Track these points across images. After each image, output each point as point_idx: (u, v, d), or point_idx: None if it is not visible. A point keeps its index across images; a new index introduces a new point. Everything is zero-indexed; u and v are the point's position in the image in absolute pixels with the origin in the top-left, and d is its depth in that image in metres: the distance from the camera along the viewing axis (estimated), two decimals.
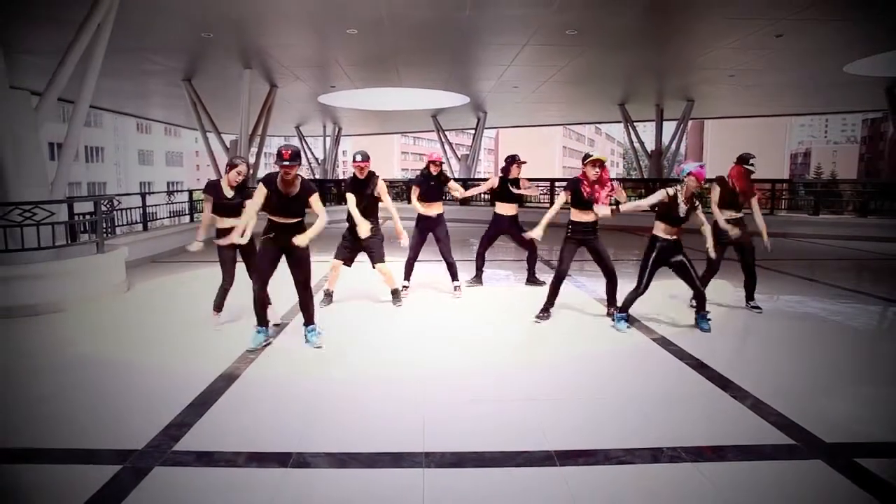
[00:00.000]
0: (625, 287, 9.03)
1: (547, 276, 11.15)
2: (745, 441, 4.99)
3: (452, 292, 10.74)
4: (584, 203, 8.71)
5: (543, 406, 5.77)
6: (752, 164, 9.46)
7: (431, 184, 10.56)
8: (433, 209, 10.61)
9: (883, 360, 7.59)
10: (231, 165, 8.19)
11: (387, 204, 9.54)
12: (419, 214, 10.63)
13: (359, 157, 9.40)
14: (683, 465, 4.59)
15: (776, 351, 7.78)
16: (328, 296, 9.99)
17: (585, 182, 8.67)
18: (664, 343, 7.86)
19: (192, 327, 8.69)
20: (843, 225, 21.68)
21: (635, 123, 29.53)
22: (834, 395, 6.13)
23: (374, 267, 9.68)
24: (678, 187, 8.26)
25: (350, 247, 9.68)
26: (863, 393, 6.27)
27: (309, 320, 7.90)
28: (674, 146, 28.66)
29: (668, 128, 29.01)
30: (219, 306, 8.58)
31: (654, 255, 8.37)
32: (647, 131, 32.29)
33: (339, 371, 6.89)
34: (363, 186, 9.41)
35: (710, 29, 15.43)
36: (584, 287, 11.39)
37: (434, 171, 10.48)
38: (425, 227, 10.68)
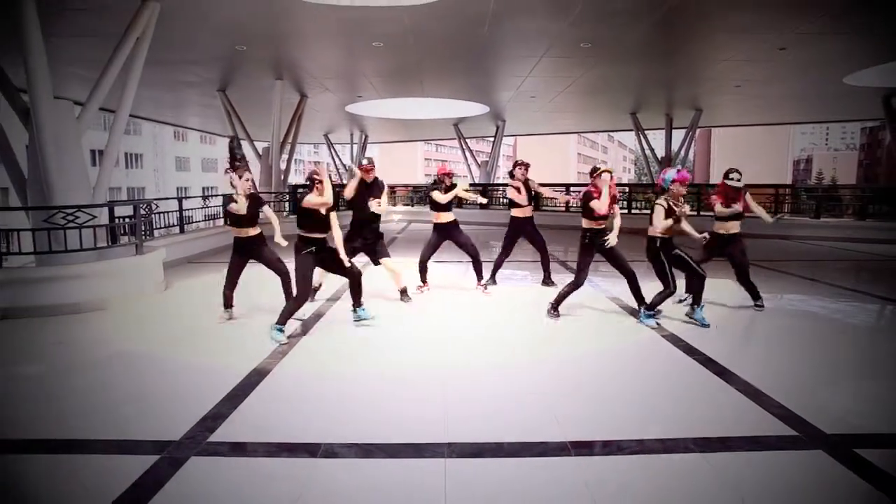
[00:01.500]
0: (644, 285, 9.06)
1: (557, 277, 11.18)
2: (750, 432, 4.96)
3: (483, 290, 10.85)
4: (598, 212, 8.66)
5: (558, 399, 5.76)
6: (732, 178, 9.34)
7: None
8: (446, 217, 10.64)
9: (881, 355, 7.51)
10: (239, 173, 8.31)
11: (383, 208, 9.69)
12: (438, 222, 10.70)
13: (365, 161, 9.67)
14: (692, 455, 4.58)
15: (779, 347, 7.74)
16: (314, 290, 10.04)
17: (597, 192, 8.65)
18: (673, 340, 7.82)
19: (226, 324, 8.73)
20: (843, 228, 21.59)
21: (646, 131, 29.47)
22: (834, 389, 6.11)
23: (377, 264, 9.82)
24: (666, 196, 8.33)
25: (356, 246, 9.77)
26: (862, 387, 6.23)
27: (359, 303, 8.54)
28: (683, 153, 28.56)
29: (678, 136, 28.92)
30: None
31: (664, 254, 8.38)
32: (657, 139, 32.14)
33: (365, 367, 6.89)
34: (369, 189, 9.63)
35: (717, 43, 15.40)
36: (599, 286, 11.35)
37: (448, 182, 10.49)
38: (443, 234, 10.75)
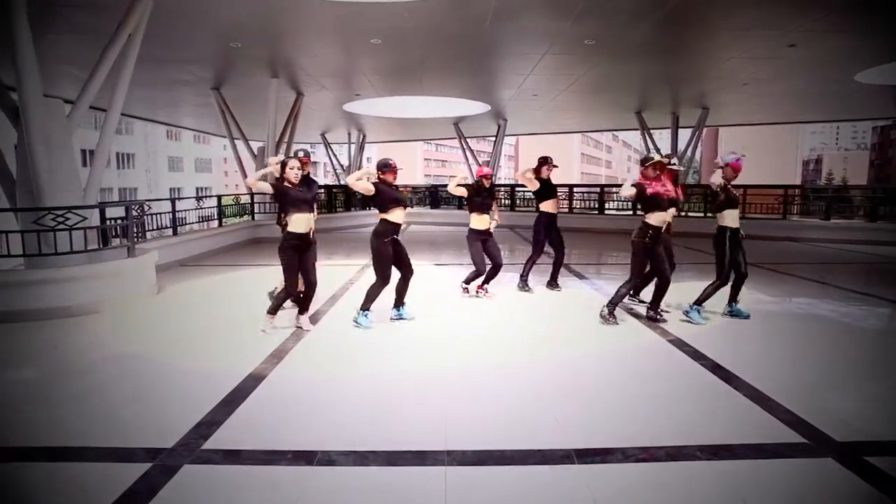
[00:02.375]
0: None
1: (563, 280, 11.18)
2: (758, 440, 4.97)
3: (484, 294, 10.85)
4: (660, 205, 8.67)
5: (562, 405, 5.77)
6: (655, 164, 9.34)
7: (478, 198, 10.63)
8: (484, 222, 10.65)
9: (892, 360, 7.54)
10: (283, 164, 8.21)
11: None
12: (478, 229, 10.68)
13: (301, 153, 9.40)
14: (698, 463, 4.58)
15: (787, 352, 7.74)
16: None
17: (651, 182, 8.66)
18: (679, 344, 7.84)
19: (220, 329, 8.75)
20: (854, 229, 21.61)
21: (651, 131, 29.40)
22: (844, 395, 6.09)
23: None
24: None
25: None
26: (873, 393, 6.22)
27: (401, 302, 9.16)
28: (689, 153, 28.53)
29: (684, 135, 28.93)
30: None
31: (731, 244, 8.72)
32: (663, 138, 32.11)
33: (362, 371, 6.92)
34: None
35: (723, 40, 15.37)
36: (602, 290, 11.36)
37: (486, 184, 10.49)
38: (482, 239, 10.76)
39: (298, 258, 8.20)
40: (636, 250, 8.74)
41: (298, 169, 8.11)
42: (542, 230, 11.12)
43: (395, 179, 8.66)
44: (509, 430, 5.23)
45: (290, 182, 8.02)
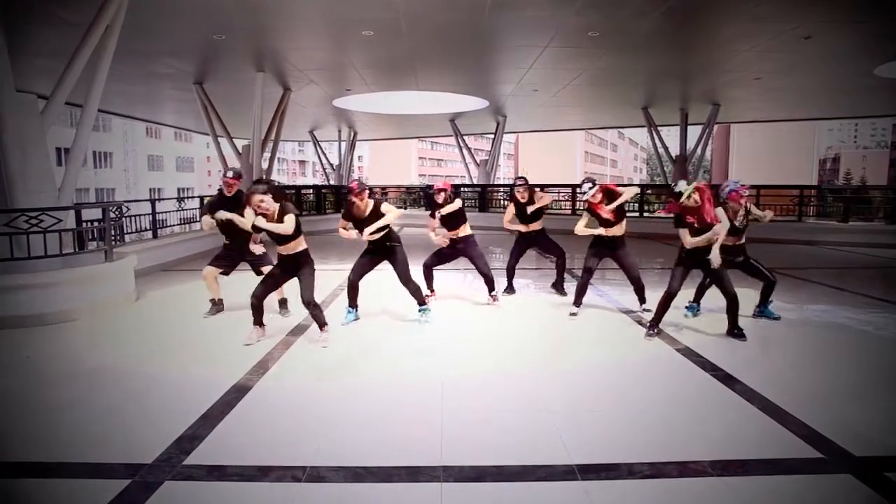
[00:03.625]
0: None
1: (568, 287, 11.20)
2: (773, 455, 4.97)
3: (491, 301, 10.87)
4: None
5: (565, 418, 5.77)
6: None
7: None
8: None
9: None
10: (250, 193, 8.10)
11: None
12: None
13: (230, 174, 9.80)
14: (709, 479, 4.58)
15: (803, 362, 7.73)
16: (214, 304, 10.09)
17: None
18: (689, 353, 7.85)
19: (203, 337, 8.76)
20: (873, 232, 21.47)
21: (659, 128, 29.45)
22: (864, 408, 6.07)
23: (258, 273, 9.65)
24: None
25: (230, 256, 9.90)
26: (894, 405, 6.21)
27: (422, 303, 9.59)
28: (699, 151, 28.55)
29: (694, 132, 28.95)
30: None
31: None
32: (671, 136, 32.19)
33: (355, 382, 6.91)
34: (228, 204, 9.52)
35: (735, 31, 15.34)
36: (607, 296, 11.37)
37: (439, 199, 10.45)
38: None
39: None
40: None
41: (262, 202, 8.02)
42: (515, 247, 11.53)
43: (359, 199, 8.77)
44: (509, 444, 5.22)
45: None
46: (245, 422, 5.74)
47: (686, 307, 9.83)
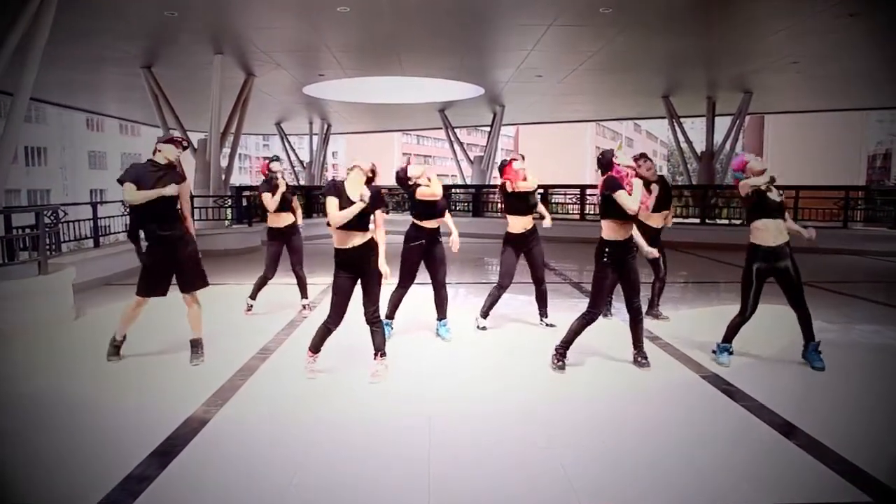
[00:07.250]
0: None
1: (576, 302, 11.19)
2: (814, 498, 4.96)
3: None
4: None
5: (572, 452, 5.76)
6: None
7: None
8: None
9: None
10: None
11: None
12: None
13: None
14: None
15: (849, 390, 7.70)
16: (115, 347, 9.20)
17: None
18: (716, 381, 7.83)
19: (153, 362, 8.73)
20: None
21: (682, 119, 29.47)
22: None
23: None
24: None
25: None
26: None
27: (443, 315, 9.94)
28: (728, 146, 28.54)
29: (722, 125, 28.98)
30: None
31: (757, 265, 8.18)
32: (696, 129, 32.25)
33: (326, 417, 6.86)
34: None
35: (770, 7, 15.36)
36: (620, 313, 11.36)
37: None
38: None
39: None
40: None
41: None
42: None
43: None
44: (507, 480, 5.22)
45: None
46: (202, 460, 5.70)
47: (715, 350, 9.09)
